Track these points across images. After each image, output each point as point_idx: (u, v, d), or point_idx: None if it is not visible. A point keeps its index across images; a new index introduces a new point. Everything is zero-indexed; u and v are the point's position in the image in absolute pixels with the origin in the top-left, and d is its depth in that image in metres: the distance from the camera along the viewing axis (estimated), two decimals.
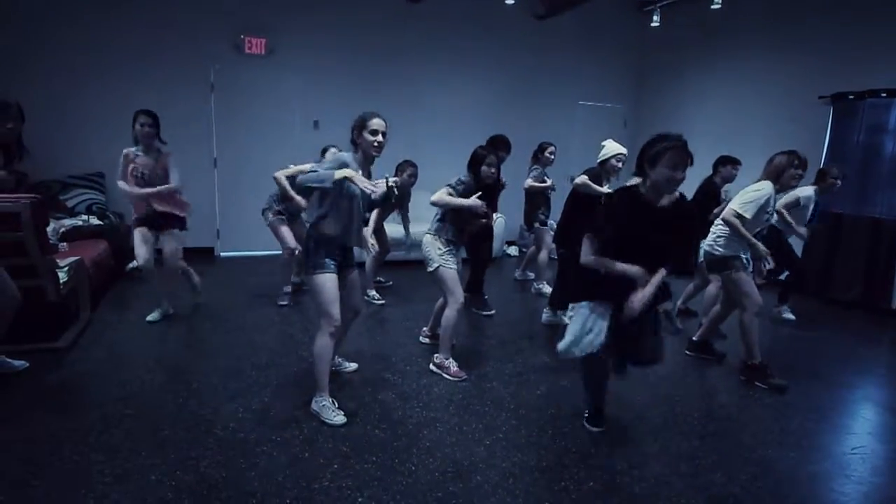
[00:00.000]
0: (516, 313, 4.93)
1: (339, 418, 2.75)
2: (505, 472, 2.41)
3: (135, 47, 5.96)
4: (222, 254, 6.70)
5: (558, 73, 7.89)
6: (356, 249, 3.07)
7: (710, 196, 4.63)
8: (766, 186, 3.40)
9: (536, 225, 5.29)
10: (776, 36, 6.37)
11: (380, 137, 2.74)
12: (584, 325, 2.50)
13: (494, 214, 3.54)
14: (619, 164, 4.12)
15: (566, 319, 2.71)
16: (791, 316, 4.99)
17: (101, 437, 2.56)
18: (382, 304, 4.92)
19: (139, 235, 4.08)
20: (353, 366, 3.45)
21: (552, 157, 5.18)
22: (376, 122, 2.75)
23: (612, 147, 4.12)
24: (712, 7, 6.02)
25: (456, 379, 3.35)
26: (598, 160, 4.15)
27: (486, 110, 7.46)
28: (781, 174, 3.41)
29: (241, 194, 6.42)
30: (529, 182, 5.08)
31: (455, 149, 6.96)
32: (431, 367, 3.49)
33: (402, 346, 3.91)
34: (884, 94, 5.21)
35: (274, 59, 6.44)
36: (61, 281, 3.74)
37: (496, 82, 7.63)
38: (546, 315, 4.59)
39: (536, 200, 5.21)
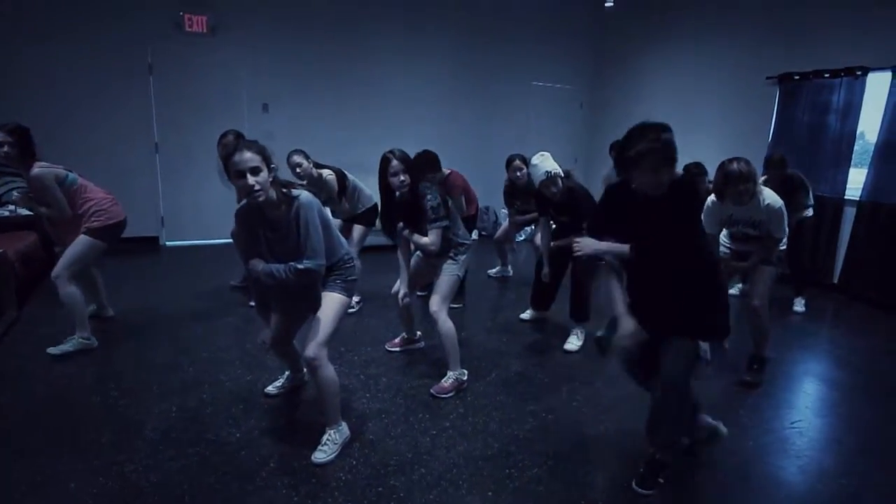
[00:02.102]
0: (469, 302, 4.88)
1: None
2: (448, 463, 2.36)
3: (64, 26, 5.58)
4: (167, 243, 6.44)
5: (512, 53, 7.80)
6: None
7: None
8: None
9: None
10: (726, 18, 6.43)
11: (248, 180, 2.10)
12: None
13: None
14: (554, 189, 3.51)
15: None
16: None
17: (21, 441, 2.40)
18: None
19: None
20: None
21: (517, 174, 4.53)
22: (236, 161, 2.12)
23: (541, 167, 3.51)
24: None
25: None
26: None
27: (440, 89, 7.33)
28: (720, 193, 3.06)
29: (187, 180, 6.17)
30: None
31: (408, 127, 6.88)
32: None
33: (351, 334, 3.82)
34: (827, 75, 5.31)
35: (217, 37, 6.15)
36: None
37: (448, 61, 7.49)
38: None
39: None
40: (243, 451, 2.38)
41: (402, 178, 2.85)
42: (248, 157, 2.11)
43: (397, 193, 2.97)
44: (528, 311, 4.28)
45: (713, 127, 4.31)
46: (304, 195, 2.26)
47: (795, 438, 2.70)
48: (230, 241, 4.67)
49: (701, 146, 4.58)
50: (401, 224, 3.04)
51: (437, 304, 2.97)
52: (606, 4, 7.00)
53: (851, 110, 5.22)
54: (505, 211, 5.41)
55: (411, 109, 7.05)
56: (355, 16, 6.81)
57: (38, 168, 3.19)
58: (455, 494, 2.15)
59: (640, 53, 7.66)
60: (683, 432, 2.23)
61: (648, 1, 7.20)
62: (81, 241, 3.31)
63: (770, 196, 3.03)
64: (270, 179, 2.18)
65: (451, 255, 3.03)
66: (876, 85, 5.08)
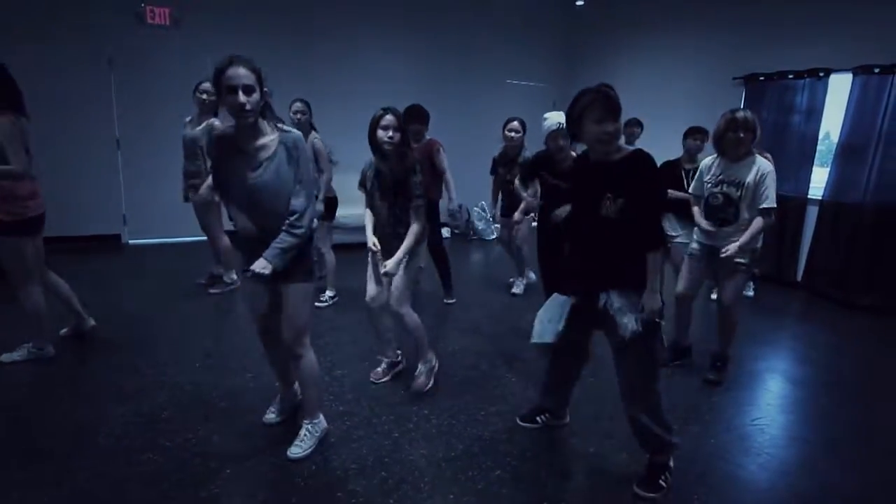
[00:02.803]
0: (436, 299, 4.85)
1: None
2: (410, 466, 2.34)
3: (20, 17, 5.38)
4: (130, 241, 6.28)
5: (486, 51, 7.82)
6: None
7: (675, 183, 4.08)
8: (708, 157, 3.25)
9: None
10: (695, 19, 6.53)
11: (240, 97, 1.95)
12: (550, 314, 2.29)
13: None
14: (563, 142, 3.38)
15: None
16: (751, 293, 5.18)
17: None
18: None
19: None
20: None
21: (512, 134, 4.49)
22: (232, 75, 1.95)
23: (552, 119, 3.41)
24: None
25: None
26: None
27: (411, 85, 7.25)
28: (719, 140, 3.10)
29: (150, 177, 6.01)
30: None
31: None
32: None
33: (319, 335, 3.76)
34: (791, 76, 5.44)
35: (180, 31, 6.01)
36: None
37: (423, 57, 7.47)
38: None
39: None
40: (198, 457, 2.33)
41: (391, 133, 2.69)
42: (244, 74, 1.95)
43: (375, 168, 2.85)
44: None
45: (682, 124, 4.39)
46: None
47: (757, 436, 2.74)
48: (196, 238, 4.59)
49: (670, 142, 4.65)
50: (376, 251, 2.88)
51: (396, 300, 2.88)
52: (577, 3, 7.05)
53: (814, 111, 5.35)
54: (478, 209, 5.40)
55: (382, 104, 6.95)
56: (325, 9, 6.73)
57: (4, 116, 2.81)
58: (416, 498, 2.13)
59: (612, 53, 7.73)
60: (669, 430, 2.22)
61: (619, 2, 7.26)
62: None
63: (763, 161, 3.04)
64: (261, 104, 2.04)
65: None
66: (838, 86, 5.21)
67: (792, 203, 5.50)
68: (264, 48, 6.45)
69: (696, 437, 2.68)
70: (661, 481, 2.22)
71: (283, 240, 2.09)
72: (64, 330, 3.56)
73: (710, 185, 3.18)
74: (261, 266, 2.06)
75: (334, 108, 6.70)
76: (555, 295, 2.33)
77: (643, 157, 2.04)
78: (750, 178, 3.00)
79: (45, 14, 5.49)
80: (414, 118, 4.10)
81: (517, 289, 5.03)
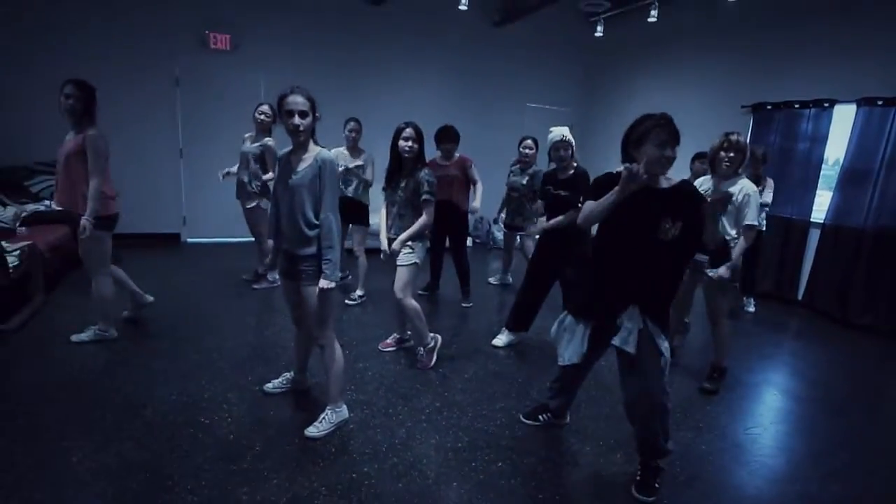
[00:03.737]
0: (454, 299, 4.84)
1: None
2: (420, 454, 2.35)
3: (100, 39, 5.63)
4: (188, 240, 6.46)
5: (510, 76, 7.80)
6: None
7: None
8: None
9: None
10: (706, 50, 6.40)
11: (295, 119, 2.19)
12: (570, 335, 2.22)
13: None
14: (564, 153, 3.39)
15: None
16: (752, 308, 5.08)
17: (33, 418, 2.42)
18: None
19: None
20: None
21: (525, 150, 4.55)
22: (291, 101, 2.19)
23: (557, 132, 3.44)
24: (649, 20, 6.01)
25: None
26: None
27: (441, 107, 7.28)
28: (713, 159, 3.07)
29: (208, 184, 6.14)
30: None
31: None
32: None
33: (346, 330, 3.80)
34: (797, 105, 5.28)
35: (239, 54, 6.18)
36: (11, 265, 3.54)
37: (452, 82, 7.50)
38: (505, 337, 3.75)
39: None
40: (232, 435, 2.38)
41: (410, 143, 3.01)
42: (301, 101, 2.19)
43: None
44: (502, 336, 3.70)
45: (693, 148, 4.31)
46: (327, 152, 2.30)
47: (748, 444, 2.67)
48: (245, 239, 4.73)
49: (679, 165, 4.55)
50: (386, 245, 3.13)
51: (399, 289, 3.08)
52: (596, 35, 6.99)
53: (818, 139, 5.18)
54: (499, 218, 5.35)
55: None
56: (363, 39, 6.83)
57: (96, 131, 3.03)
58: (422, 484, 2.14)
59: (627, 80, 7.63)
60: (669, 438, 2.15)
61: (635, 33, 7.17)
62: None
63: (748, 183, 3.01)
64: (312, 126, 2.26)
65: (410, 243, 3.08)
66: (842, 116, 5.04)
67: (795, 225, 5.33)
68: (312, 73, 6.62)
69: (689, 442, 2.61)
70: (656, 485, 2.17)
71: (328, 257, 2.26)
72: (126, 312, 3.70)
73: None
74: (325, 285, 2.25)
75: (371, 126, 6.80)
76: (567, 314, 2.25)
77: (695, 190, 2.03)
78: (737, 198, 2.96)
79: (122, 39, 5.73)
80: (447, 138, 4.22)
81: (494, 279, 5.49)
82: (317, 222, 2.27)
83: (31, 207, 5.02)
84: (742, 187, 2.97)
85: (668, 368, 2.06)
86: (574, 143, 3.43)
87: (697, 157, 4.43)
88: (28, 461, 2.11)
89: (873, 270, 4.70)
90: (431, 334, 3.28)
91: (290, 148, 2.37)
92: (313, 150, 2.30)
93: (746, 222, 2.94)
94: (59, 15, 5.49)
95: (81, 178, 3.02)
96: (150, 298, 3.75)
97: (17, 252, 3.67)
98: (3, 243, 3.55)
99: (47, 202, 5.27)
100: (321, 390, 2.81)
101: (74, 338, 3.30)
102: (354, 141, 4.43)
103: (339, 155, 4.31)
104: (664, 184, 2.01)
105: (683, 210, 1.93)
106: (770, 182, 4.55)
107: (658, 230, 1.91)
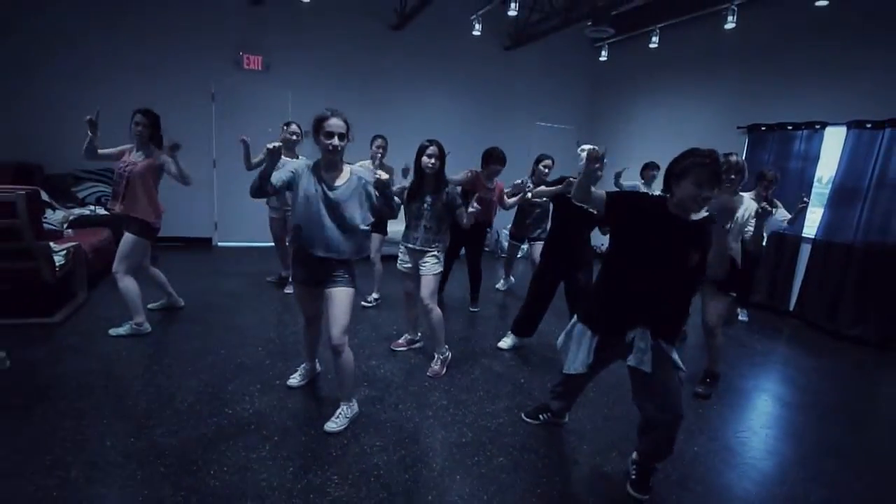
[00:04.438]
0: (461, 302, 4.82)
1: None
2: (426, 448, 2.35)
3: (143, 59, 5.78)
4: (219, 243, 6.55)
5: (520, 96, 7.81)
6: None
7: None
8: None
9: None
10: (705, 73, 6.36)
11: (335, 140, 2.25)
12: (577, 344, 2.15)
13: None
14: (545, 170, 4.13)
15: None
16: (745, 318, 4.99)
17: (72, 405, 2.46)
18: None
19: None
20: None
21: (546, 170, 4.40)
22: (332, 124, 2.25)
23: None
24: (650, 46, 6.01)
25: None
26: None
27: (455, 125, 7.34)
28: None
29: (238, 192, 6.18)
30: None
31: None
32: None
33: (361, 330, 3.82)
34: (790, 127, 5.22)
35: (270, 74, 6.29)
36: (58, 264, 3.62)
37: (466, 101, 7.54)
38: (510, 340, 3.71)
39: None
40: (253, 425, 2.40)
41: (433, 161, 3.00)
42: (340, 124, 2.27)
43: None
44: (507, 339, 3.69)
45: None
46: (358, 168, 2.43)
47: (738, 447, 2.62)
48: (271, 244, 4.78)
49: None
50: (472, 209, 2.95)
51: (428, 295, 3.07)
52: (601, 59, 6.99)
53: (810, 159, 5.11)
54: (506, 231, 5.40)
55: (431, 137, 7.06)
56: (384, 61, 6.90)
57: (164, 155, 3.36)
58: (428, 476, 2.14)
59: (630, 101, 7.61)
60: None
61: (637, 58, 7.14)
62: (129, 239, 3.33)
63: (749, 202, 2.96)
64: (344, 146, 2.32)
65: (436, 253, 3.07)
66: (833, 137, 4.97)
67: (788, 240, 5.25)
68: (336, 92, 6.72)
69: (681, 444, 2.55)
70: (650, 483, 2.14)
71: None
72: (154, 304, 3.86)
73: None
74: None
75: (393, 143, 6.86)
76: (576, 323, 2.17)
77: (711, 223, 1.92)
78: (739, 214, 2.93)
79: (163, 57, 5.87)
80: (497, 160, 4.12)
81: (500, 285, 5.50)
82: (364, 227, 2.37)
83: (77, 211, 5.13)
84: (746, 206, 2.93)
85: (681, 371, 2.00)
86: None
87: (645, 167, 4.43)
88: (66, 444, 2.14)
89: (861, 284, 4.61)
90: (446, 346, 3.23)
91: (308, 161, 2.39)
92: (346, 167, 2.38)
93: (747, 236, 2.89)
94: (117, 38, 5.69)
95: (147, 193, 3.31)
96: (182, 303, 3.95)
97: (64, 252, 3.75)
98: (51, 244, 3.63)
99: (92, 207, 5.39)
100: (333, 386, 2.81)
101: (112, 331, 3.36)
102: (381, 157, 4.38)
103: (364, 169, 4.32)
104: (695, 217, 1.92)
105: (704, 241, 1.89)
106: (778, 203, 4.44)
107: (688, 261, 1.86)
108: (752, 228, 2.90)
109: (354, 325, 3.93)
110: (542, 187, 3.48)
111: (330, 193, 2.30)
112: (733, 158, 2.92)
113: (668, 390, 1.96)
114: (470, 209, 2.89)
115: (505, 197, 4.16)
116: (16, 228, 3.23)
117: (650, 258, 1.90)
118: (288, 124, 4.45)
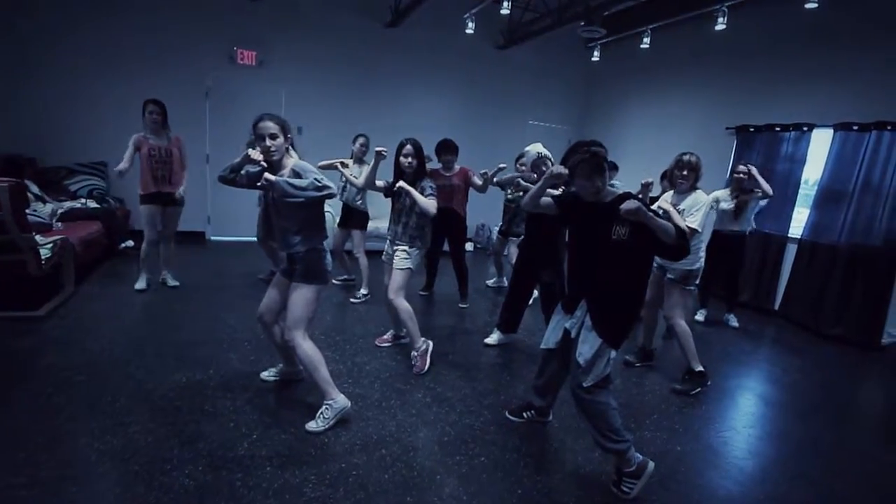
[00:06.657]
0: (452, 300, 4.74)
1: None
2: (408, 446, 2.27)
3: (138, 53, 5.65)
4: (212, 237, 6.44)
5: (512, 95, 7.72)
6: None
7: None
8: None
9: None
10: (695, 75, 6.29)
11: (266, 142, 2.18)
12: (554, 324, 2.24)
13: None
14: (545, 168, 3.50)
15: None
16: (735, 323, 4.76)
17: (49, 400, 2.37)
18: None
19: (148, 212, 4.01)
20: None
21: (544, 169, 4.41)
22: (261, 126, 2.19)
23: (533, 149, 3.41)
24: (641, 47, 5.93)
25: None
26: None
27: (447, 123, 7.20)
28: (670, 177, 3.13)
29: (231, 188, 6.15)
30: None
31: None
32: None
33: (348, 326, 3.74)
34: (777, 129, 5.16)
35: (263, 70, 6.16)
36: (44, 256, 3.51)
37: (458, 99, 7.43)
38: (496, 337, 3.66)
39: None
40: (232, 422, 2.32)
41: (410, 160, 2.99)
42: (270, 126, 2.19)
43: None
44: (494, 335, 3.63)
45: None
46: (299, 161, 2.32)
47: (720, 447, 2.56)
48: None
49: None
50: (400, 182, 2.99)
51: (393, 290, 3.03)
52: (593, 59, 6.90)
53: (797, 160, 5.06)
54: (496, 227, 5.31)
55: (425, 139, 6.95)
56: (378, 58, 6.79)
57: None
58: (407, 475, 2.06)
59: (621, 101, 7.53)
60: (620, 441, 2.05)
61: (629, 58, 7.06)
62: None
63: (703, 195, 3.02)
64: (285, 146, 2.25)
65: (408, 248, 3.02)
66: (820, 139, 4.91)
67: (774, 240, 5.20)
68: (329, 88, 6.62)
69: (663, 443, 2.52)
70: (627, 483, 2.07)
71: (296, 182, 2.17)
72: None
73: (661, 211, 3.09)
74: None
75: (382, 138, 6.76)
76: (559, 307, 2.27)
77: (629, 197, 2.02)
78: (684, 206, 2.98)
79: (158, 53, 5.74)
80: (447, 151, 4.19)
81: (491, 282, 5.38)
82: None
83: (67, 205, 5.01)
84: (695, 198, 2.99)
85: (593, 368, 2.02)
86: (552, 157, 3.33)
87: (665, 175, 4.33)
88: (39, 440, 2.06)
89: (845, 284, 4.56)
90: (423, 339, 3.13)
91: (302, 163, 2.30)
92: (289, 163, 2.28)
93: (687, 224, 2.87)
94: (112, 33, 5.57)
95: (181, 168, 4.13)
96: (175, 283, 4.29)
97: (50, 245, 3.64)
98: (38, 237, 3.52)
99: (84, 200, 5.27)
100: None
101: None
102: (363, 154, 4.42)
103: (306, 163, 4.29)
104: (609, 198, 2.05)
105: (620, 215, 1.97)
106: (757, 192, 4.39)
107: (612, 234, 1.98)
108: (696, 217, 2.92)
109: (341, 321, 3.87)
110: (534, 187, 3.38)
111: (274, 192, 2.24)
112: (686, 157, 3.02)
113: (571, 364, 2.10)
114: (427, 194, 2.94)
115: (474, 178, 4.16)
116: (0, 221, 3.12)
117: (584, 238, 2.13)
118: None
